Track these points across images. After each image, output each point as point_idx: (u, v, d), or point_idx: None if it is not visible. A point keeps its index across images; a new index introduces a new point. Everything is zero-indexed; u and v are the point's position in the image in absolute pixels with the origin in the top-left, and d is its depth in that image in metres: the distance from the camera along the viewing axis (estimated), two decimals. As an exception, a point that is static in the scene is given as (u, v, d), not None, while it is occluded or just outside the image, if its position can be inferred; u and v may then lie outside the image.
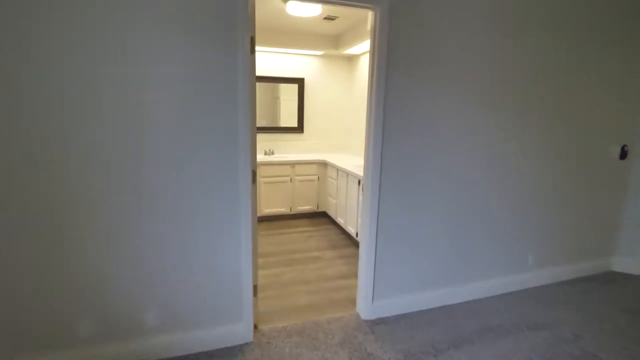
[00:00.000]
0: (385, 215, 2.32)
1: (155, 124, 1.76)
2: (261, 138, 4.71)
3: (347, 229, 3.91)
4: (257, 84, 4.54)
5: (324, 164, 4.52)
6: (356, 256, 3.46)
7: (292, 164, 4.37)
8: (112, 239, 1.80)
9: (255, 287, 2.19)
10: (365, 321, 2.39)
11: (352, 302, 2.63)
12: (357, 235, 3.64)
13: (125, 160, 1.75)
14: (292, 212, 4.51)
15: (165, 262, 1.92)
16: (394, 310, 2.48)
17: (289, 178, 4.38)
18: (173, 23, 1.71)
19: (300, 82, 4.72)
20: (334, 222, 4.48)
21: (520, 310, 2.56)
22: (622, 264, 3.23)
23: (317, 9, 3.16)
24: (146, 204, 1.82)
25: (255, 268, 2.19)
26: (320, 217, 4.70)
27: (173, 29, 1.71)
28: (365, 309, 2.41)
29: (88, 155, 1.69)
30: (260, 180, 4.24)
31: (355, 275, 3.06)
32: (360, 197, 3.40)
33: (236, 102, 1.88)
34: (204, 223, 1.94)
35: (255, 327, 2.26)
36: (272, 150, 4.71)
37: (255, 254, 2.15)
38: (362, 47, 4.18)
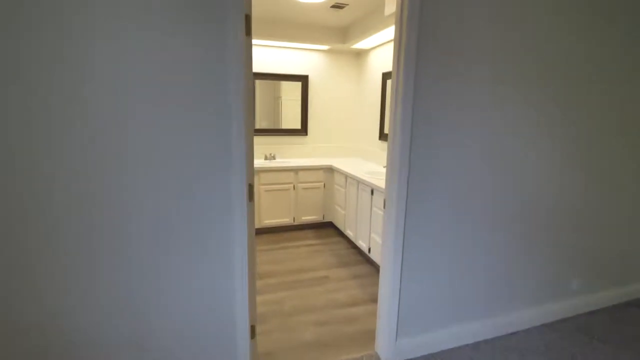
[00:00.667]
0: (412, 236, 1.90)
1: (119, 131, 1.35)
2: (261, 141, 4.30)
3: (357, 243, 3.49)
4: (257, 81, 4.14)
5: (330, 170, 4.10)
6: (369, 275, 3.05)
7: (295, 169, 3.95)
8: (73, 268, 1.38)
9: (252, 328, 1.77)
10: (387, 364, 1.97)
11: (369, 336, 2.20)
12: (369, 251, 3.22)
13: (92, 173, 1.34)
14: (296, 223, 4.09)
15: (140, 299, 1.50)
16: (421, 349, 2.05)
17: (291, 185, 3.96)
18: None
19: (303, 79, 4.31)
20: (341, 234, 4.06)
21: (569, 346, 2.13)
22: (677, 285, 2.80)
23: (325, -6, 2.75)
24: (111, 227, 1.41)
25: (253, 305, 1.77)
26: (327, 228, 4.28)
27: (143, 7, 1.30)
28: (387, 348, 1.99)
29: (62, 157, 1.28)
30: (260, 188, 3.82)
31: (370, 300, 2.64)
32: (379, 211, 2.98)
33: (227, 99, 1.47)
34: (188, 252, 1.53)
35: (254, 374, 1.84)
36: (273, 155, 4.30)
37: (252, 288, 1.73)
38: (372, 41, 3.78)
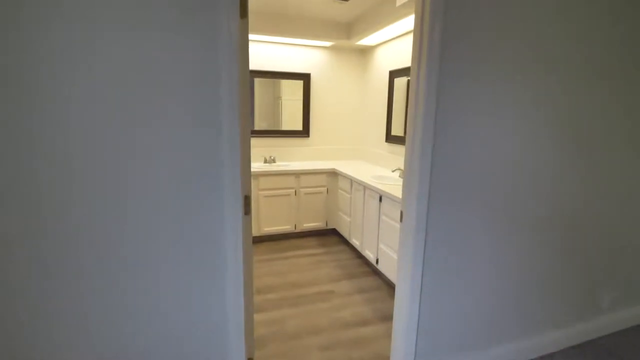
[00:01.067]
0: (433, 252, 1.65)
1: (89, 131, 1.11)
2: (260, 143, 4.05)
3: (363, 253, 3.24)
4: (255, 80, 3.90)
5: (334, 174, 3.85)
6: (377, 289, 2.81)
7: (297, 173, 3.71)
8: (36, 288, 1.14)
9: (250, 362, 1.53)
10: (404, 399, 1.72)
11: (382, 364, 1.96)
12: (377, 262, 2.98)
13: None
14: (297, 230, 3.84)
15: (113, 331, 1.25)
16: (441, 380, 1.81)
17: (293, 190, 3.71)
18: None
19: (305, 78, 4.07)
20: (346, 242, 3.81)
21: (610, 377, 1.89)
22: None
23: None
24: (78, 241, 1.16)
25: (250, 335, 1.53)
26: (330, 235, 4.03)
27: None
28: (402, 380, 1.74)
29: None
30: (258, 193, 3.58)
31: (380, 318, 2.39)
32: (388, 220, 2.73)
33: (217, 95, 1.22)
34: (169, 278, 1.29)
35: (251, 414, 1.59)
36: (273, 158, 4.05)
37: (249, 316, 1.49)
38: (379, 37, 3.54)
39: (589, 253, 2.06)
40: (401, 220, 1.68)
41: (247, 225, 1.40)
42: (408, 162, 1.60)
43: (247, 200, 1.37)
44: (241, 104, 1.26)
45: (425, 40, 1.44)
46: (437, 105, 1.50)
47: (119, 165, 1.15)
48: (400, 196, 2.50)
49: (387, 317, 2.40)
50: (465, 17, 1.47)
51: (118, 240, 1.20)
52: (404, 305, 1.70)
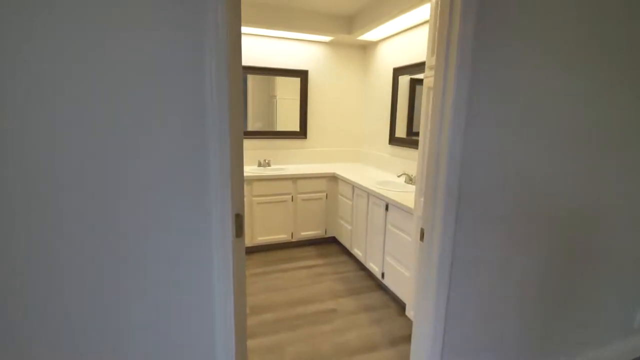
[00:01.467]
0: (460, 273, 1.40)
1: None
2: (253, 145, 3.77)
3: (367, 265, 2.98)
4: (249, 76, 3.63)
5: (333, 178, 3.59)
6: (384, 306, 2.55)
7: (294, 178, 3.43)
8: None
9: (243, 414, 1.25)
10: None
11: (396, 402, 1.70)
12: (382, 276, 2.72)
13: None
14: (294, 240, 3.56)
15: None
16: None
17: (289, 196, 3.44)
18: None
19: (303, 75, 3.80)
20: (347, 252, 3.55)
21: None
22: None
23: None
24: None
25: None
26: (329, 244, 3.76)
27: None
28: None
29: None
30: (252, 200, 3.30)
31: (389, 342, 2.14)
32: (397, 232, 2.45)
33: (202, 93, 0.96)
34: (146, 307, 1.01)
35: None
36: (268, 161, 3.77)
37: (241, 353, 1.22)
38: (382, 32, 3.30)
39: (618, 267, 1.83)
40: (421, 239, 1.42)
41: (239, 249, 1.13)
42: (432, 177, 1.34)
43: (238, 219, 1.10)
44: (232, 99, 0.99)
45: (455, 32, 1.18)
46: (468, 112, 1.25)
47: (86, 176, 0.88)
48: (410, 205, 2.25)
49: (398, 340, 2.15)
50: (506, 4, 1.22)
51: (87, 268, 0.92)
52: (424, 336, 1.44)
